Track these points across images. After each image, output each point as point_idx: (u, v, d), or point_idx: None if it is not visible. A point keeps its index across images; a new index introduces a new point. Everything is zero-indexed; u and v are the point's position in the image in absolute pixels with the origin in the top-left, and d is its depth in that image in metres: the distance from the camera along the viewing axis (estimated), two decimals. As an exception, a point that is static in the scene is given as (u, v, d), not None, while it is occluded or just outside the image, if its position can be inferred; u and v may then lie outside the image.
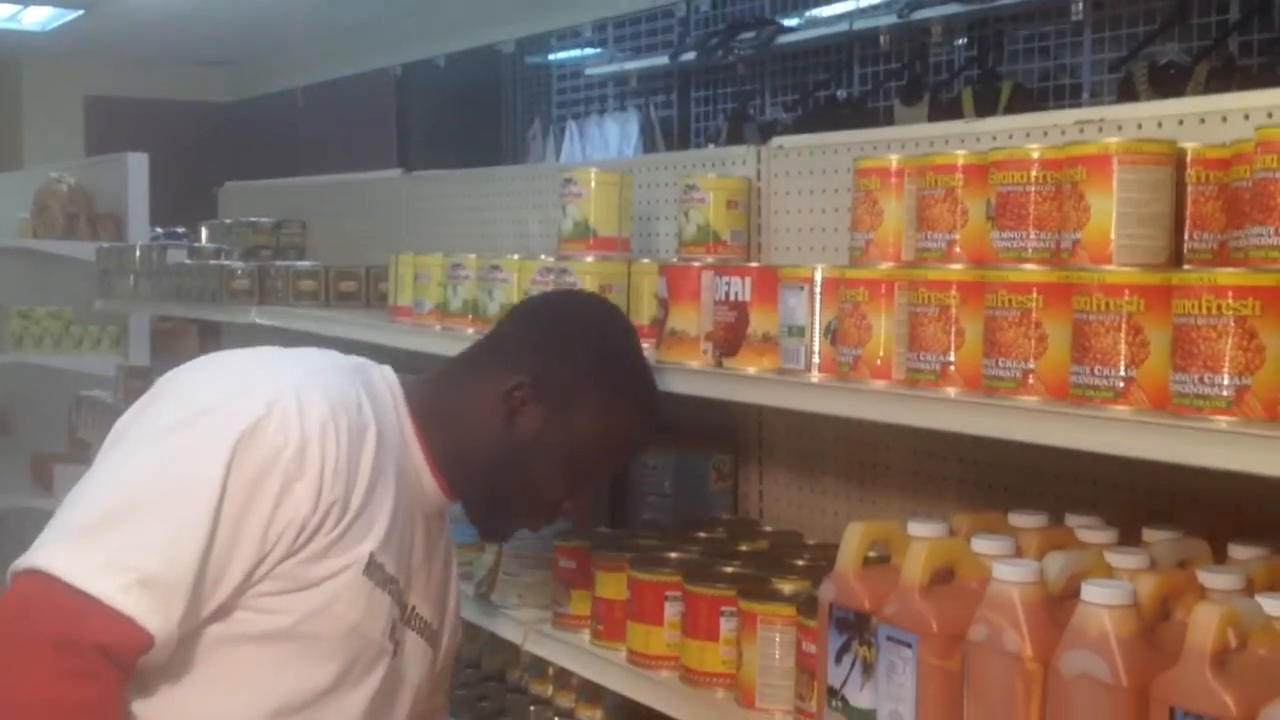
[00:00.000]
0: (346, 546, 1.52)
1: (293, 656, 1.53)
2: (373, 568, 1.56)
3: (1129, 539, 1.54)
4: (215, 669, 1.49)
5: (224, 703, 1.50)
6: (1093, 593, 1.29)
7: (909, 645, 1.46)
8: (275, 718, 1.53)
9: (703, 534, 2.17)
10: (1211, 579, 1.34)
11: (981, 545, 1.49)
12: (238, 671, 1.50)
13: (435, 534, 1.74)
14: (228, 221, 4.11)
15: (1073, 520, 1.60)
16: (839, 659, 1.56)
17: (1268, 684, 1.16)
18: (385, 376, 1.69)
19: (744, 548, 2.08)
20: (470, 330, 2.41)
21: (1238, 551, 1.45)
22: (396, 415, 1.65)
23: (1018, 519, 1.61)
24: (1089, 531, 1.55)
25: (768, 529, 2.25)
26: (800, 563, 1.96)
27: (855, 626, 1.54)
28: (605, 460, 1.76)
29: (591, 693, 2.50)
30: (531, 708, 2.56)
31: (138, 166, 4.73)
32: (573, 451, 1.70)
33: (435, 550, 1.74)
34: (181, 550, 1.41)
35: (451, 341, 2.48)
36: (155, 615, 1.38)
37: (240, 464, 1.44)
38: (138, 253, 3.89)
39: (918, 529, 1.54)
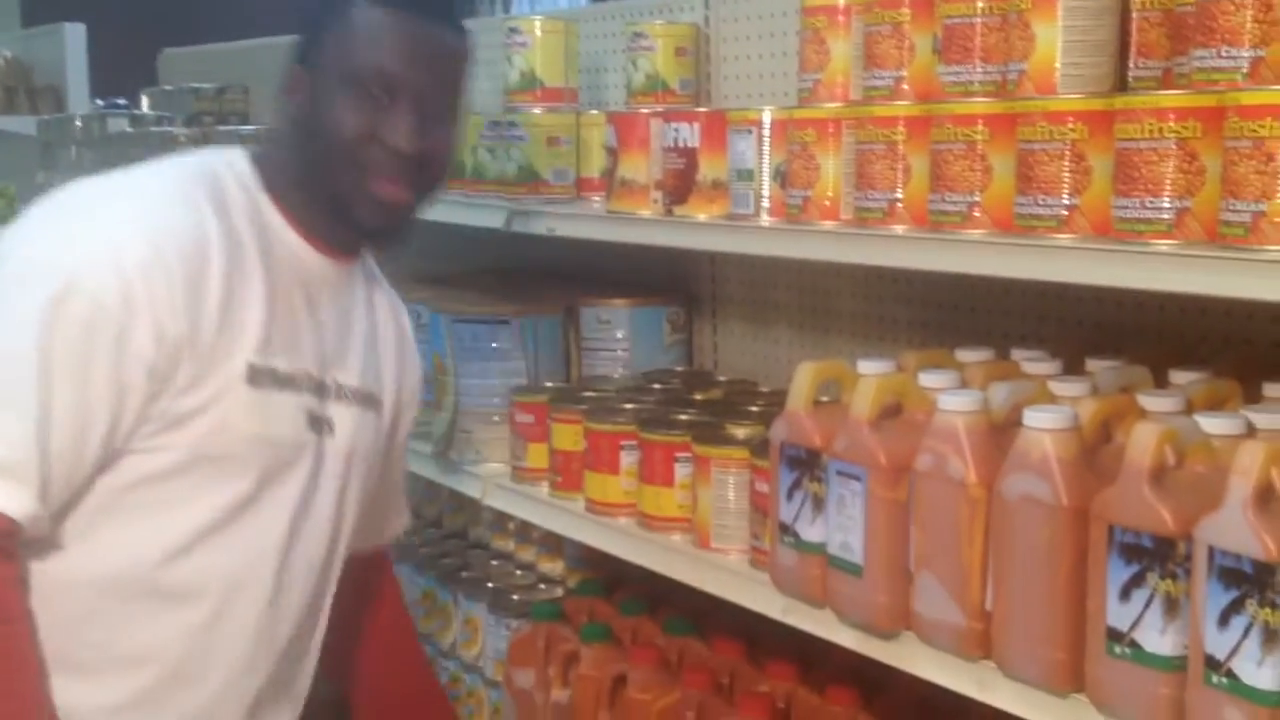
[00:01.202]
0: (214, 370, 1.45)
1: (202, 481, 1.48)
2: (258, 375, 1.48)
3: (1074, 371, 1.56)
4: (124, 512, 1.45)
5: (144, 538, 1.46)
6: (1034, 417, 1.31)
7: (858, 479, 1.48)
8: (206, 536, 1.49)
9: (658, 385, 2.19)
10: (1151, 402, 1.36)
11: (928, 379, 1.50)
12: (148, 507, 1.46)
13: (346, 303, 1.63)
14: (169, 88, 4.03)
15: (1018, 355, 1.62)
16: (790, 496, 1.58)
17: (1204, 499, 1.18)
18: (234, 167, 1.55)
19: (698, 397, 2.10)
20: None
21: (1178, 377, 1.48)
22: (253, 203, 1.53)
23: (964, 355, 1.63)
24: (1034, 364, 1.57)
25: (722, 379, 2.27)
26: (754, 409, 1.98)
27: (806, 464, 1.56)
28: (370, 67, 1.50)
29: (553, 545, 2.54)
30: (494, 562, 2.60)
31: (75, 37, 4.61)
32: (339, 75, 1.50)
33: (351, 319, 1.63)
34: (14, 429, 1.35)
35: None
36: (9, 499, 1.35)
37: (61, 326, 1.37)
38: (79, 124, 3.81)
39: (866, 366, 1.55)
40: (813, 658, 1.99)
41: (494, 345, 2.24)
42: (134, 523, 1.45)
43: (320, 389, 1.58)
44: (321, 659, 1.69)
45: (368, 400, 1.65)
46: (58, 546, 1.43)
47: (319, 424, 1.57)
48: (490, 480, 2.20)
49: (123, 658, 1.48)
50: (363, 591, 1.82)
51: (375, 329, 1.70)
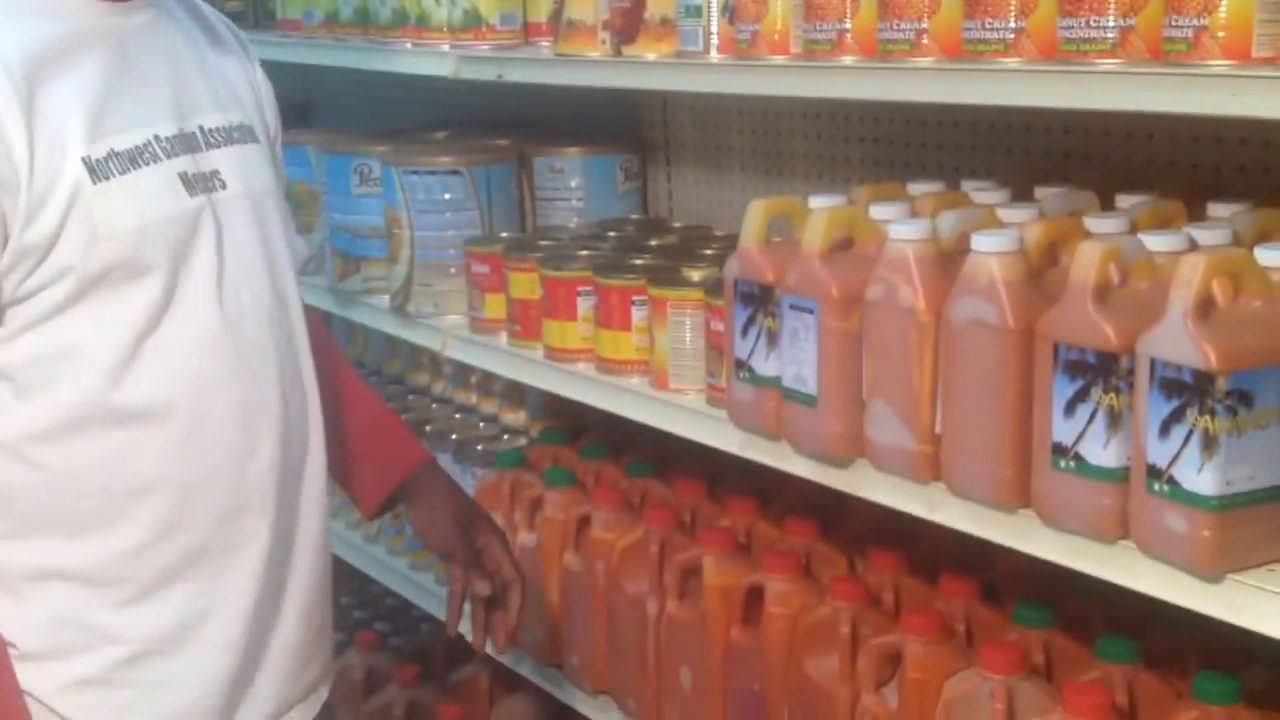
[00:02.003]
0: (52, 187, 1.29)
1: (104, 299, 1.32)
2: (100, 167, 1.30)
3: (1023, 200, 1.57)
4: (50, 355, 1.33)
5: (80, 370, 1.34)
6: (981, 241, 1.32)
7: (810, 311, 1.50)
8: (140, 346, 1.34)
9: (613, 233, 2.19)
10: (1097, 224, 1.37)
11: (879, 211, 1.51)
12: (68, 343, 1.33)
13: (161, 42, 1.43)
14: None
15: (968, 185, 1.63)
16: (745, 332, 1.60)
17: (1147, 314, 1.20)
18: None
19: (654, 242, 2.10)
20: (363, 38, 2.34)
21: (1124, 201, 1.49)
22: None
23: (915, 188, 1.64)
24: (983, 193, 1.58)
25: (677, 225, 2.27)
26: (709, 252, 1.99)
27: (759, 299, 1.57)
28: None
29: (515, 397, 2.57)
30: (457, 416, 2.62)
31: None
32: None
33: (176, 57, 1.44)
34: None
35: (345, 52, 2.41)
36: None
37: None
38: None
39: (818, 201, 1.56)
40: (771, 494, 2.04)
41: (447, 196, 2.23)
42: (64, 361, 1.33)
43: (186, 144, 1.39)
44: None
45: (241, 132, 1.48)
46: (10, 413, 1.35)
47: (202, 182, 1.39)
48: (449, 332, 2.21)
49: (128, 493, 1.36)
50: None
51: (201, 52, 1.49)
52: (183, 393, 1.37)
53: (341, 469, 1.72)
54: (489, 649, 1.78)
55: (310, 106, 3.21)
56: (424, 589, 2.53)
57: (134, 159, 1.34)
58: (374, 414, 1.79)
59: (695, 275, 1.83)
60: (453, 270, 2.22)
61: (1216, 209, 1.43)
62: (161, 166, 1.36)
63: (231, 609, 1.42)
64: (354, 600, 3.05)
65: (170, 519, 1.38)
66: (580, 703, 2.10)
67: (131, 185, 1.33)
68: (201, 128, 1.43)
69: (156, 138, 1.37)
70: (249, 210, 1.45)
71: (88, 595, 1.37)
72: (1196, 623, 1.58)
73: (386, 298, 2.32)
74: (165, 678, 1.40)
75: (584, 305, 1.95)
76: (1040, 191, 1.56)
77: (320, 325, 1.75)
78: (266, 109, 1.58)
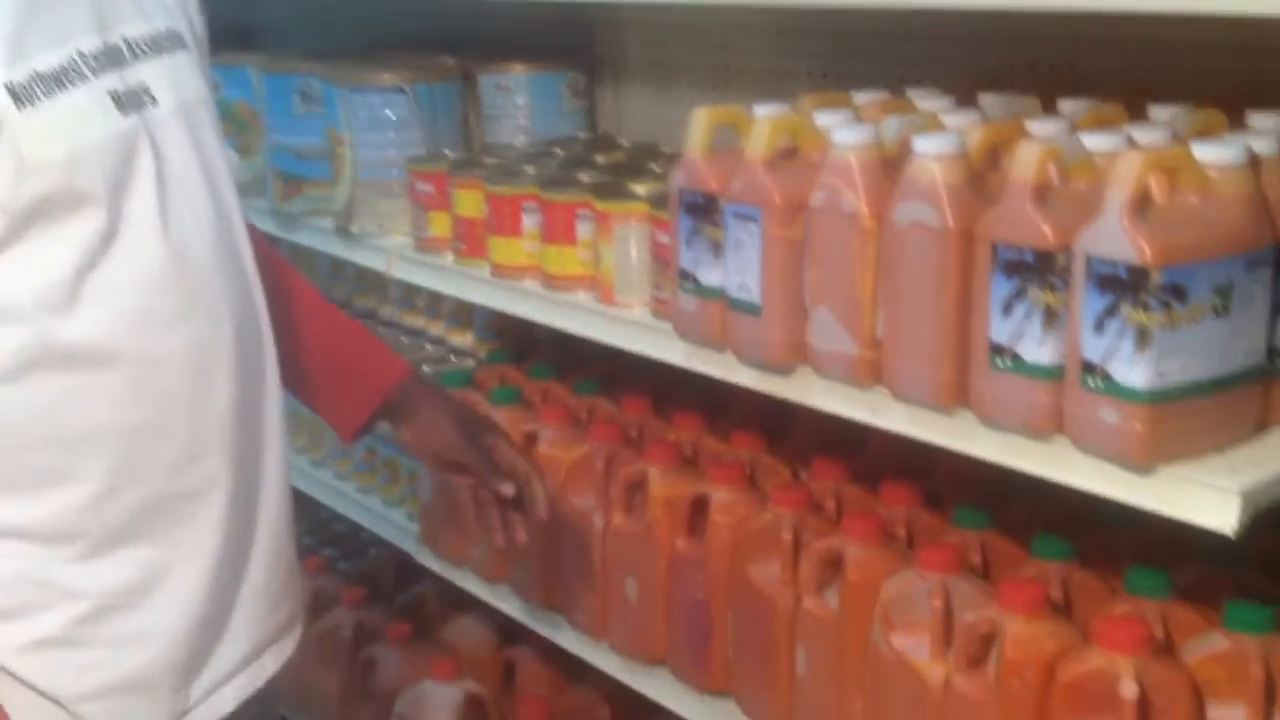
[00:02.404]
0: None
1: (40, 234, 1.24)
2: (24, 91, 1.21)
3: (967, 107, 1.58)
4: None
5: (7, 318, 1.25)
6: (923, 144, 1.33)
7: (754, 219, 1.50)
8: (83, 283, 1.26)
9: (559, 150, 2.18)
10: (1038, 126, 1.38)
11: (823, 118, 1.52)
12: (9, 281, 1.25)
13: None
14: None
15: (912, 93, 1.64)
16: (690, 243, 1.60)
17: (1085, 213, 1.22)
18: None
19: (600, 159, 2.09)
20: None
21: (1066, 106, 1.50)
22: None
23: (860, 97, 1.64)
24: (927, 100, 1.59)
25: (624, 143, 2.26)
26: (655, 168, 1.98)
27: (703, 209, 1.57)
28: None
29: (462, 319, 2.56)
30: (404, 339, 2.62)
31: None
32: None
33: None
34: None
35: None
36: None
37: None
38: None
39: (762, 109, 1.56)
40: (718, 409, 2.06)
41: (390, 114, 2.21)
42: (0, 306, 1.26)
43: (112, 58, 1.30)
44: None
45: (168, 40, 1.39)
46: None
47: (133, 99, 1.30)
48: (393, 252, 2.20)
49: (77, 442, 1.28)
50: None
51: None
52: (130, 333, 1.28)
53: (313, 393, 1.67)
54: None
55: (251, 29, 3.15)
56: (372, 512, 2.53)
57: (59, 80, 1.24)
58: (343, 330, 1.73)
59: (641, 189, 1.83)
60: (396, 190, 2.20)
61: (1157, 111, 1.44)
62: (90, 86, 1.26)
63: (196, 557, 1.35)
64: (301, 526, 3.04)
65: (124, 468, 1.30)
66: (528, 617, 2.12)
67: (59, 109, 1.23)
68: (126, 39, 1.32)
69: (80, 54, 1.26)
70: (184, 126, 1.35)
71: (43, 553, 1.29)
72: (1132, 521, 1.63)
73: (330, 219, 2.30)
74: (130, 632, 1.33)
75: (529, 221, 1.94)
76: (984, 98, 1.57)
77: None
78: (190, 6, 1.48)
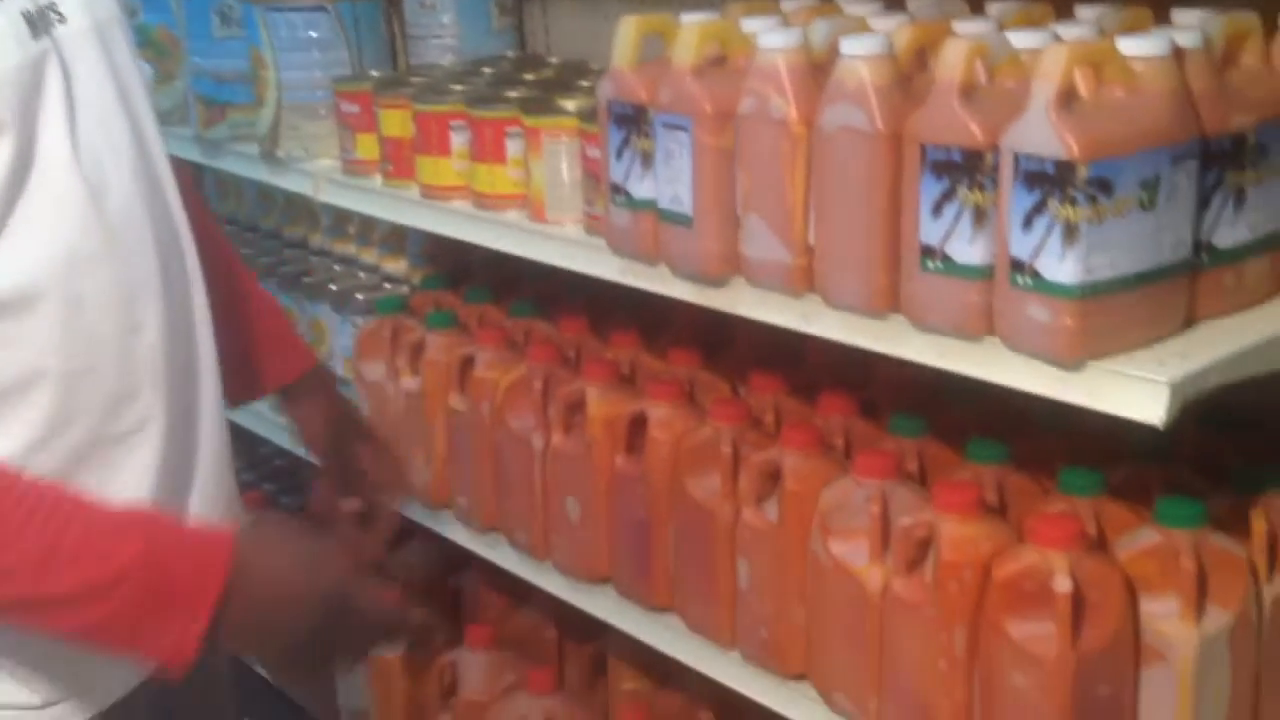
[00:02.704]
0: None
1: None
2: None
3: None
4: None
5: None
6: (850, 45, 1.31)
7: (684, 129, 1.48)
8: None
9: (487, 69, 2.14)
10: (965, 25, 1.37)
11: (750, 24, 1.49)
12: None
13: None
14: None
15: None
16: (620, 155, 1.58)
17: (1012, 111, 1.21)
18: None
19: (529, 77, 2.06)
20: None
21: (994, 7, 1.49)
22: None
23: (788, 3, 1.62)
24: (855, 4, 1.57)
25: (553, 60, 2.22)
26: (584, 84, 1.96)
27: (633, 120, 1.55)
28: None
29: (395, 245, 2.53)
30: (336, 267, 2.58)
31: None
32: None
33: None
34: None
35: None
36: None
37: None
38: None
39: (690, 17, 1.53)
40: (655, 328, 2.05)
41: (313, 34, 2.16)
42: None
43: None
44: None
45: None
46: None
47: (42, 20, 1.23)
48: (321, 176, 2.16)
49: (7, 391, 1.23)
50: None
51: None
52: (52, 274, 1.22)
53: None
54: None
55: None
56: (311, 443, 2.50)
57: None
58: (261, 307, 1.67)
59: (570, 104, 1.80)
60: (322, 112, 2.16)
61: (1083, 10, 1.44)
62: (3, 6, 1.18)
63: (135, 496, 1.30)
64: (240, 462, 3.01)
65: (57, 414, 1.25)
66: (470, 541, 2.11)
67: None
68: None
69: None
70: (96, 46, 1.28)
71: None
72: (1065, 423, 1.65)
73: (255, 145, 2.25)
74: None
75: (458, 140, 1.91)
76: (912, 1, 1.55)
77: (191, 187, 1.60)
78: None
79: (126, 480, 1.30)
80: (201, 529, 1.30)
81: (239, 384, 1.60)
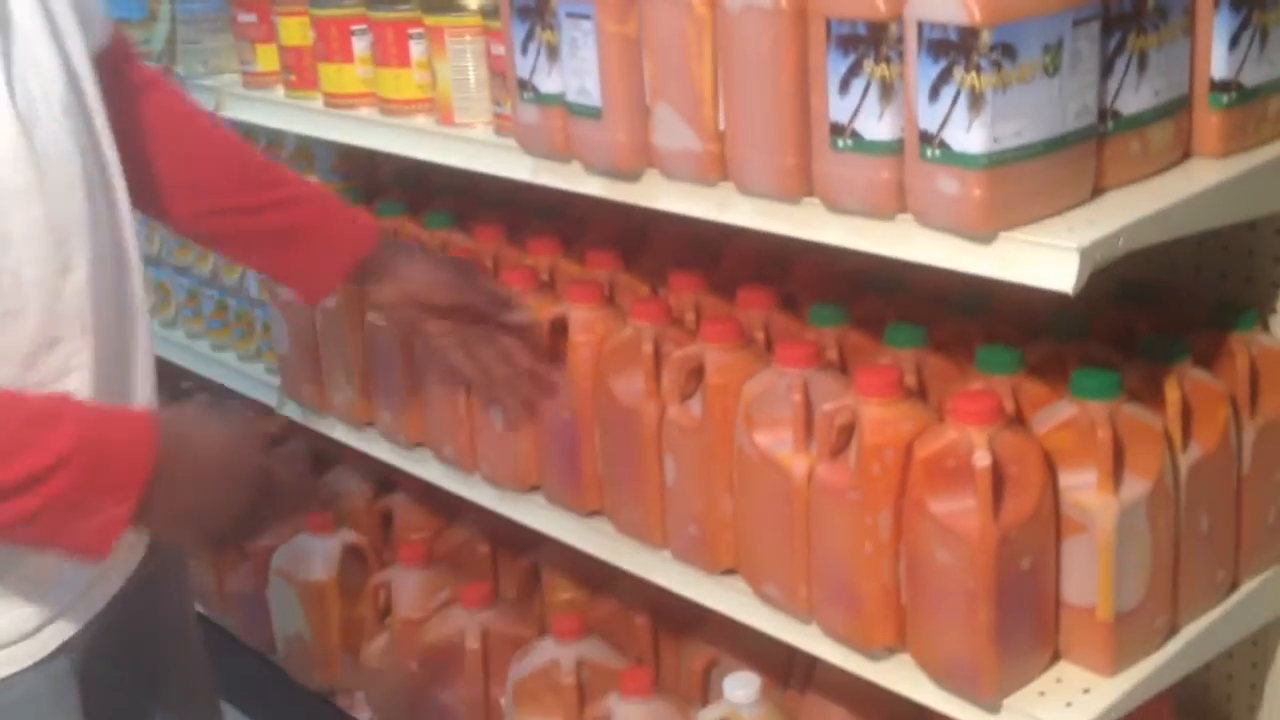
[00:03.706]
0: None
1: None
2: None
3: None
4: None
5: None
6: (751, -80, 1.28)
7: (588, 17, 1.45)
8: None
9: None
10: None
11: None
12: None
13: None
14: None
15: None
16: (525, 49, 1.55)
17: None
18: None
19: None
20: None
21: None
22: None
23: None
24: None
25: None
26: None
27: (536, 10, 1.51)
28: None
29: (304, 160, 2.47)
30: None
31: None
32: None
33: None
34: None
35: None
36: None
37: None
38: None
39: (589, -97, 1.49)
40: (573, 234, 2.03)
41: (203, -57, 2.09)
42: None
43: None
44: None
45: None
46: None
47: None
48: (223, 91, 2.09)
49: None
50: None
51: None
52: None
53: (271, 259, 1.64)
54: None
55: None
56: (229, 368, 2.46)
57: None
58: (309, 195, 1.64)
59: (472, 2, 1.76)
60: (220, 24, 2.09)
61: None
62: None
63: None
64: (163, 396, 2.96)
65: None
66: (398, 458, 2.09)
67: None
68: None
69: None
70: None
71: None
72: (981, 307, 1.65)
73: (151, 62, 2.18)
74: None
75: (360, 45, 1.86)
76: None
77: (184, 102, 1.59)
78: None
79: None
80: (124, 411, 1.28)
81: (316, 272, 1.63)
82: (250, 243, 1.61)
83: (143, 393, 1.36)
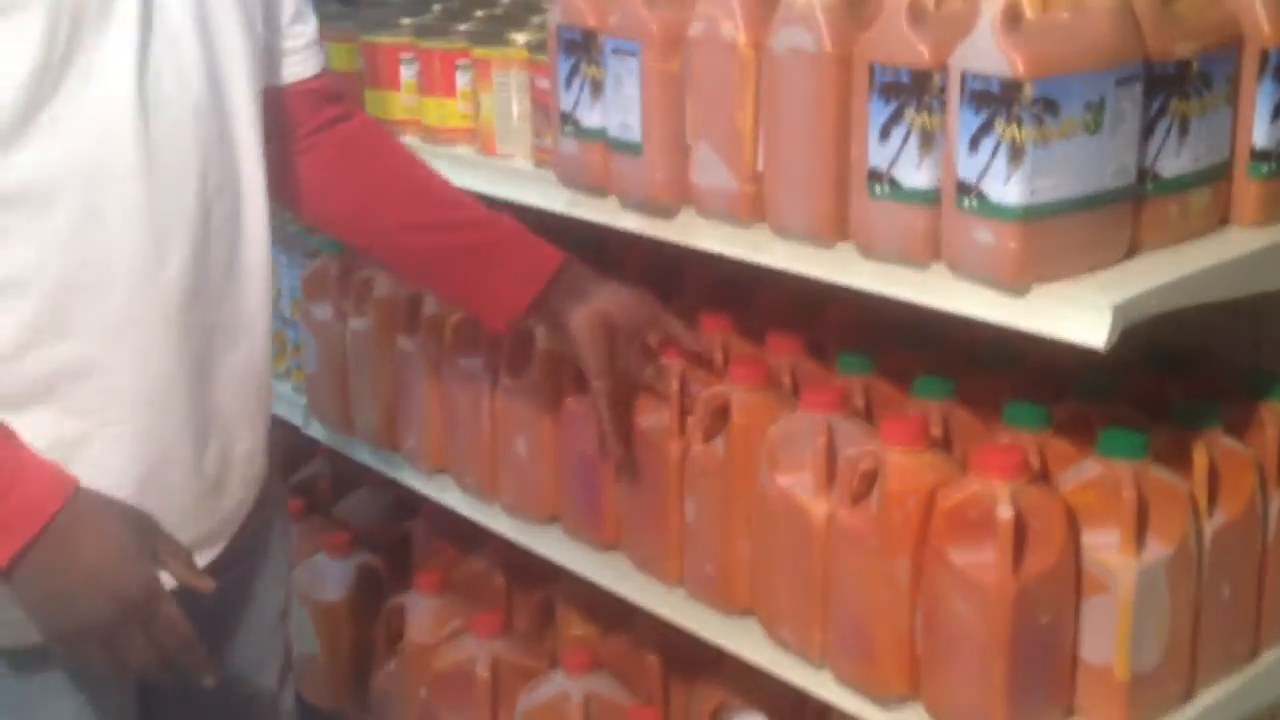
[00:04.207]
0: None
1: None
2: None
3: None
4: None
5: None
6: (800, -36, 1.30)
7: (633, 54, 1.47)
8: (27, 109, 1.18)
9: (437, 5, 2.11)
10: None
11: (702, -50, 1.48)
12: None
13: None
14: None
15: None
16: (569, 84, 1.57)
17: (961, 33, 1.20)
18: None
19: (479, 13, 2.03)
20: None
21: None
22: None
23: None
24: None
25: (506, -1, 2.20)
26: (535, 19, 1.93)
27: (583, 46, 1.54)
28: None
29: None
30: (286, 209, 2.54)
31: None
32: None
33: None
34: None
35: None
36: None
37: None
38: None
39: (640, -57, 1.51)
40: (607, 265, 2.01)
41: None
42: None
43: None
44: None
45: None
46: None
47: None
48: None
49: (9, 282, 1.20)
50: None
51: None
52: (74, 178, 1.19)
53: (457, 287, 1.58)
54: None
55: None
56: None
57: None
58: (489, 222, 1.57)
59: (520, 36, 1.78)
60: (270, 46, 2.12)
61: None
62: None
63: (119, 436, 1.26)
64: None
65: (51, 320, 1.21)
66: (419, 483, 2.10)
67: None
68: None
69: None
70: None
71: None
72: (1012, 362, 1.65)
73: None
74: None
75: (406, 73, 1.89)
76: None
77: (386, 139, 1.60)
78: None
79: (121, 413, 1.25)
80: (51, 469, 1.20)
81: (499, 298, 1.56)
82: (434, 259, 1.55)
83: (221, 399, 1.33)
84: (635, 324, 1.56)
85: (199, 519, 1.36)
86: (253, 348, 1.37)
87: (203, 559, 1.35)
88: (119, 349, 1.24)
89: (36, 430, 1.21)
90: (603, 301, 1.54)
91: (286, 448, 2.66)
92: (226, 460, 1.37)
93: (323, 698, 2.37)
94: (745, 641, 1.61)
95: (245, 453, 1.40)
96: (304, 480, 2.62)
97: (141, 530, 1.21)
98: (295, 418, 2.36)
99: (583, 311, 1.53)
